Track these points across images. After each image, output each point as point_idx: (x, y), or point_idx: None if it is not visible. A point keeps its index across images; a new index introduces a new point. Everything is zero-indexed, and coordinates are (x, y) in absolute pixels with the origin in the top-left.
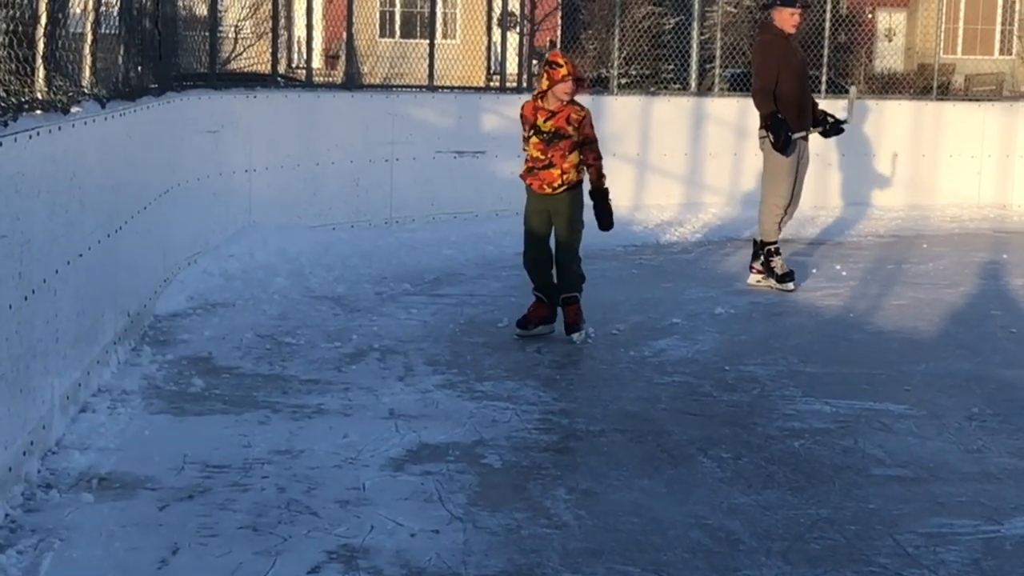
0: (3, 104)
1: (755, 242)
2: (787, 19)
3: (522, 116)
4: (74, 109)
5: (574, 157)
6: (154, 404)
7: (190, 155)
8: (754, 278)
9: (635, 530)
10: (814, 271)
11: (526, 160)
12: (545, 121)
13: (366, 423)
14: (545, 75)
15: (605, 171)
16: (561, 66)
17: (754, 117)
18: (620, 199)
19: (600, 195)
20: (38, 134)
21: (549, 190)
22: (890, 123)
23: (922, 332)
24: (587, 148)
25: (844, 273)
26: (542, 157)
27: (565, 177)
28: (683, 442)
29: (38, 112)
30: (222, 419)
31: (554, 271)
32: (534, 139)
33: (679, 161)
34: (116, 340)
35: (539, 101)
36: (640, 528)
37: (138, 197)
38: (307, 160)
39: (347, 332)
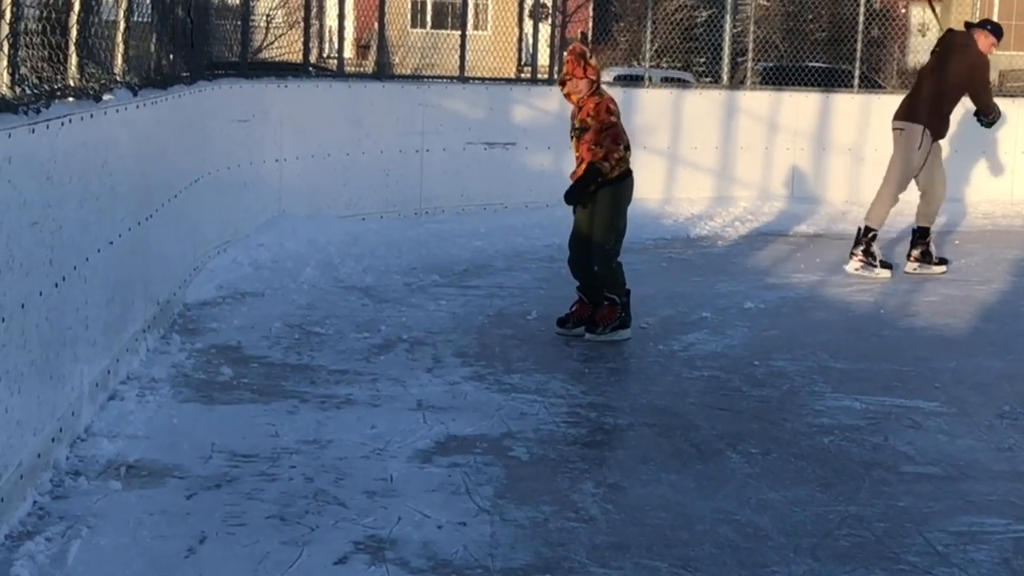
0: (36, 91)
1: (859, 229)
2: (987, 44)
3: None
4: (106, 97)
5: (600, 149)
6: (183, 392)
7: (221, 144)
8: (855, 264)
9: (663, 525)
10: (845, 266)
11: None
12: (575, 117)
13: (394, 414)
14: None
15: (633, 163)
16: (565, 63)
17: (786, 112)
18: (650, 192)
19: (589, 169)
20: (70, 121)
21: (587, 184)
22: None
23: (953, 329)
24: (603, 134)
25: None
26: (576, 154)
27: (591, 161)
28: (711, 437)
29: (70, 99)
30: (250, 408)
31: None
32: (572, 136)
33: (710, 154)
34: (145, 328)
35: (571, 96)
36: (668, 523)
37: (169, 185)
38: (337, 150)
39: (376, 323)
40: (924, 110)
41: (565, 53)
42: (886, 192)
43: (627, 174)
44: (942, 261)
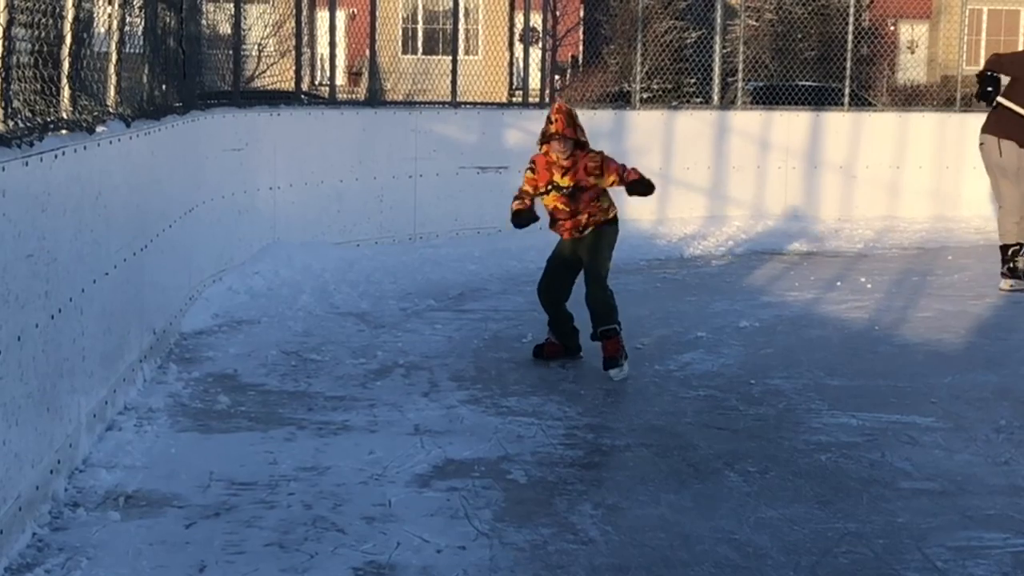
0: (29, 124)
1: (1001, 248)
2: None
3: (532, 169)
4: (99, 128)
5: (604, 199)
6: (180, 422)
7: (215, 173)
8: (1006, 283)
9: (662, 545)
10: (839, 284)
11: (549, 211)
12: (563, 176)
13: (392, 439)
14: (545, 124)
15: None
16: (551, 121)
17: (777, 130)
18: (643, 213)
19: (638, 180)
20: (64, 153)
21: (578, 234)
22: (914, 135)
23: (948, 344)
24: (625, 174)
25: (869, 285)
26: (567, 209)
27: (593, 219)
28: (709, 456)
29: (63, 131)
30: (248, 436)
31: (571, 315)
32: (554, 194)
33: (702, 174)
34: (142, 358)
35: (550, 155)
36: (667, 543)
37: (163, 215)
38: (331, 177)
39: (372, 348)
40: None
41: (551, 111)
42: (1005, 206)
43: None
44: None
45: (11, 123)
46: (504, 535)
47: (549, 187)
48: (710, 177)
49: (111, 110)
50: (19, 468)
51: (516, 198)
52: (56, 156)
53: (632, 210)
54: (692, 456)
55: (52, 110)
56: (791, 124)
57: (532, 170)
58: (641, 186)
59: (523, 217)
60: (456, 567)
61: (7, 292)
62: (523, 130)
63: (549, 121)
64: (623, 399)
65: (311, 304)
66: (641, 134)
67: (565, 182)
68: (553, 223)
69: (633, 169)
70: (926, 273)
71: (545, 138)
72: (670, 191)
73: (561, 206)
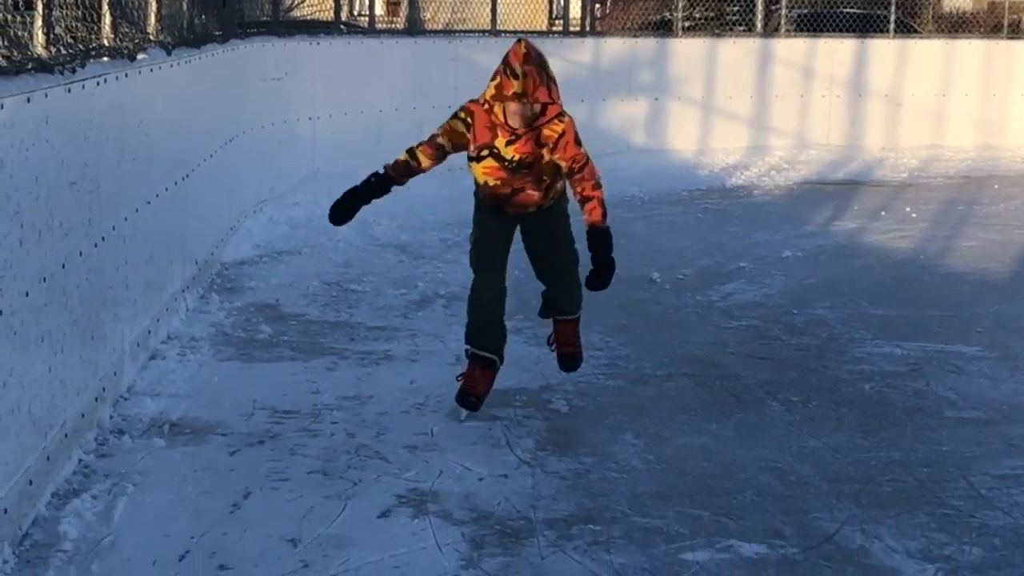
0: (71, 51)
1: None
2: None
3: (464, 120)
4: (140, 56)
5: (556, 183)
6: (223, 351)
7: (254, 102)
8: None
9: (704, 474)
10: (883, 213)
11: (478, 183)
12: (507, 144)
13: (433, 369)
14: (498, 76)
15: (667, 113)
16: (516, 76)
17: (821, 58)
18: (685, 143)
19: (600, 238)
20: (105, 81)
21: (528, 209)
22: (960, 63)
23: (993, 273)
24: (578, 176)
25: (914, 215)
26: (503, 186)
27: (548, 201)
28: (751, 386)
29: (105, 59)
30: (290, 366)
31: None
32: (490, 163)
33: (745, 104)
34: (184, 288)
35: (495, 112)
36: (709, 472)
37: (204, 145)
38: (370, 107)
39: (412, 279)
40: None
41: (511, 56)
42: None
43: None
44: None
45: (53, 49)
46: (546, 464)
47: (483, 152)
48: (753, 106)
49: (151, 38)
50: (64, 395)
51: (408, 150)
52: (98, 83)
53: (673, 140)
54: (734, 386)
55: (93, 37)
56: (835, 52)
57: (465, 122)
58: (606, 254)
59: (343, 209)
60: (498, 495)
61: (51, 219)
62: (564, 59)
63: (509, 72)
64: (665, 329)
65: (351, 235)
66: (683, 63)
67: (510, 152)
68: (489, 194)
69: (591, 179)
70: (972, 202)
71: (499, 95)
72: (712, 121)
73: (495, 181)
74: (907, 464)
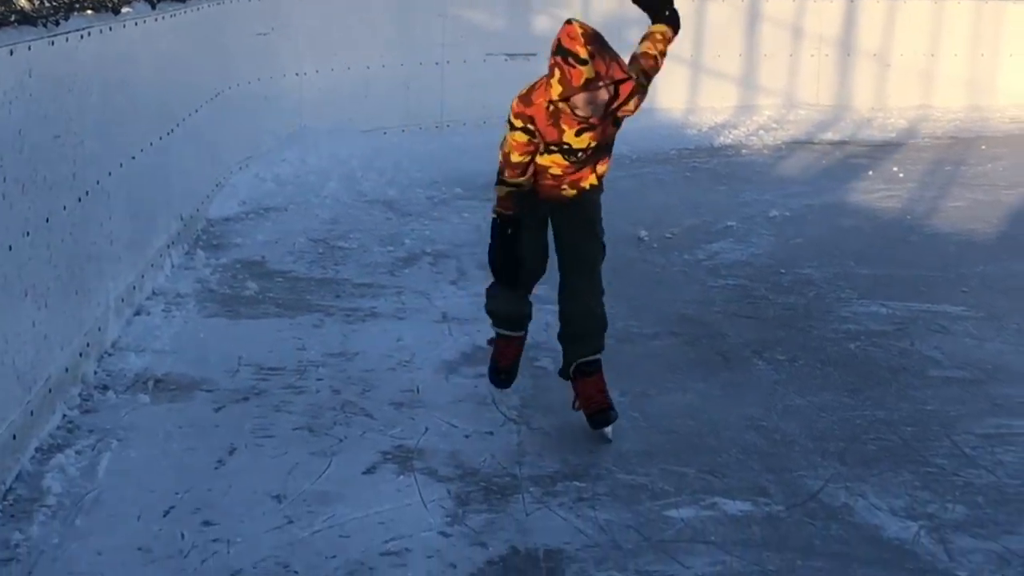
0: (54, 3)
1: None
2: None
3: (527, 128)
4: (124, 9)
5: (610, 155)
6: (208, 307)
7: (240, 57)
8: None
9: (690, 432)
10: (871, 173)
11: (519, 166)
12: (579, 134)
13: (419, 326)
14: (558, 70)
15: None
16: (584, 61)
17: (810, 17)
18: (673, 102)
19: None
20: (89, 34)
21: (572, 191)
22: (949, 23)
23: (980, 234)
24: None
25: (902, 175)
26: (563, 174)
27: (598, 176)
28: (738, 345)
29: (89, 12)
30: (276, 322)
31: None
32: (558, 157)
33: (733, 63)
34: (170, 244)
35: (561, 106)
36: (694, 430)
37: (189, 100)
38: (357, 63)
39: (399, 236)
40: None
41: (566, 37)
42: None
43: None
44: None
45: (36, 2)
46: (531, 421)
47: (552, 148)
48: (741, 66)
49: None
50: (48, 350)
51: (502, 173)
52: (82, 36)
53: (662, 99)
54: (721, 345)
55: None
56: (824, 11)
57: (527, 130)
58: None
59: (508, 228)
60: (483, 452)
61: (35, 173)
62: (552, 16)
63: (573, 60)
64: (652, 289)
65: (338, 192)
66: None
67: (583, 142)
68: (540, 182)
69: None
70: (959, 163)
71: (567, 90)
72: (700, 80)
73: (560, 172)
74: (891, 423)
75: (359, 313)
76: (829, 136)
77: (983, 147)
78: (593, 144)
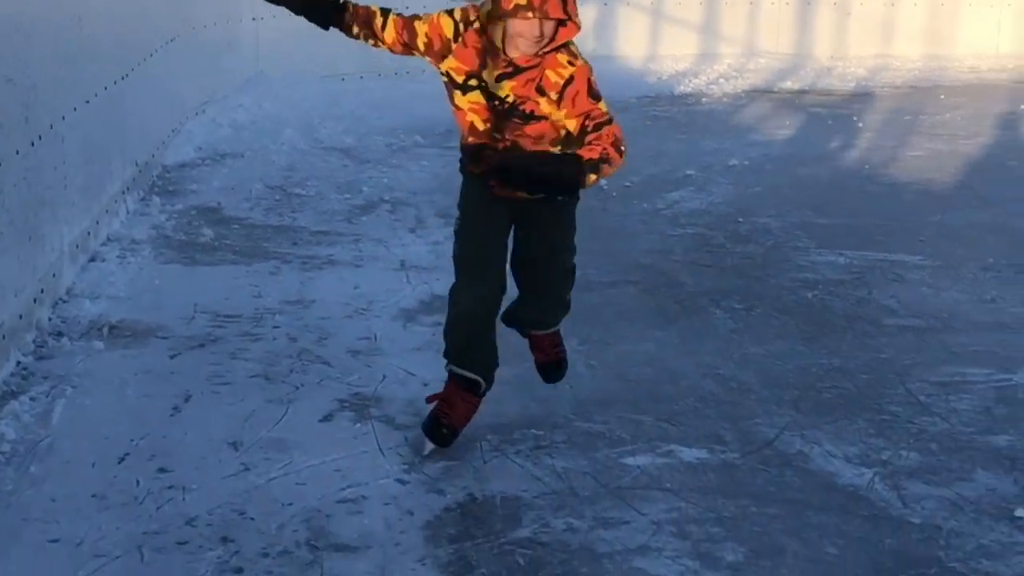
0: None
1: None
2: None
3: (456, 28)
4: None
5: (559, 141)
6: (164, 254)
7: (197, 1)
8: None
9: (647, 380)
10: (830, 122)
11: (463, 123)
12: (500, 79)
13: (377, 274)
14: None
15: (616, 20)
16: None
17: None
18: (633, 50)
19: (576, 162)
20: None
21: (510, 191)
22: None
23: (938, 183)
24: (593, 135)
25: (861, 124)
26: (490, 135)
27: None
28: (696, 294)
29: None
30: (232, 269)
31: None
32: (476, 95)
33: (694, 10)
34: (125, 190)
35: (489, 33)
36: (652, 378)
37: (144, 44)
38: None
39: (357, 184)
40: None
41: None
42: None
43: None
44: None
45: None
46: None
47: (470, 80)
48: (702, 13)
49: None
50: (2, 296)
51: (382, 10)
52: None
53: (622, 46)
54: (679, 293)
55: None
56: None
57: (456, 30)
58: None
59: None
60: None
61: None
62: None
63: None
64: (611, 237)
65: (295, 138)
66: None
67: (503, 90)
68: (472, 153)
69: (610, 137)
70: (918, 112)
71: (496, 11)
72: (661, 27)
73: (479, 122)
74: (847, 371)
75: (316, 261)
76: (789, 85)
77: (942, 97)
78: (512, 98)
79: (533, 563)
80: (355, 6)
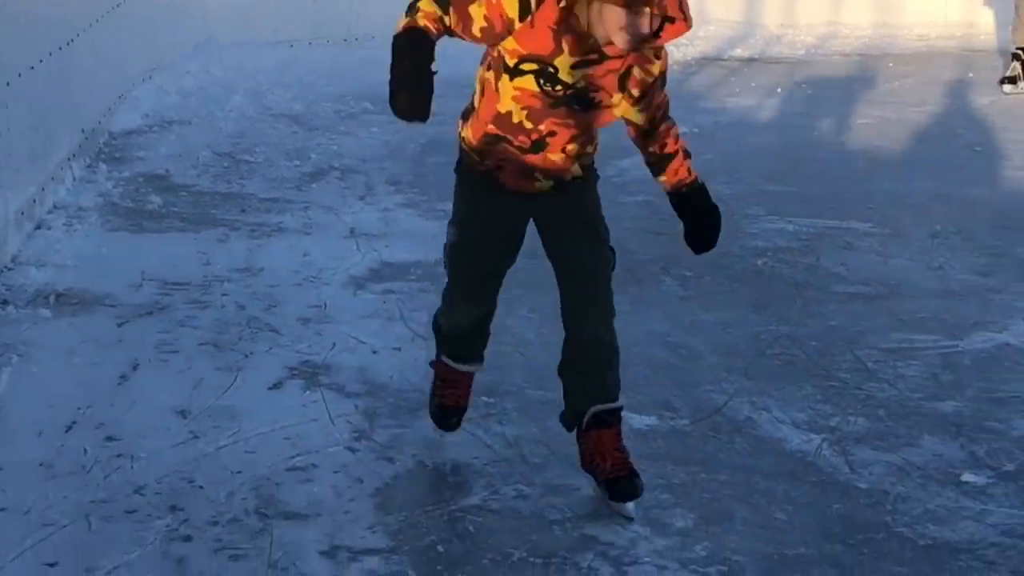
0: None
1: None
2: None
3: (501, 17)
4: None
5: (596, 142)
6: (111, 221)
7: None
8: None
9: None
10: (780, 90)
11: (479, 107)
12: (575, 67)
13: (327, 242)
14: None
15: None
16: None
17: None
18: None
19: (695, 194)
20: None
21: (541, 183)
22: None
23: (887, 151)
24: (662, 129)
25: (810, 92)
26: (527, 124)
27: (574, 169)
28: (646, 261)
29: None
30: (180, 237)
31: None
32: (528, 81)
33: None
34: (71, 157)
35: (578, 12)
36: None
37: (90, 10)
38: None
39: (306, 151)
40: None
41: None
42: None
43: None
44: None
45: None
46: None
47: (528, 64)
48: None
49: None
50: None
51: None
52: None
53: None
54: (629, 261)
55: None
56: None
57: (522, 14)
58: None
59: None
60: (392, 368)
61: None
62: None
63: None
64: None
65: (244, 105)
66: None
67: (573, 77)
68: (490, 143)
69: (679, 142)
70: (868, 80)
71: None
72: None
73: (517, 111)
74: (796, 338)
75: (265, 228)
76: (739, 53)
77: (891, 65)
78: (583, 85)
79: (483, 530)
80: (429, 29)
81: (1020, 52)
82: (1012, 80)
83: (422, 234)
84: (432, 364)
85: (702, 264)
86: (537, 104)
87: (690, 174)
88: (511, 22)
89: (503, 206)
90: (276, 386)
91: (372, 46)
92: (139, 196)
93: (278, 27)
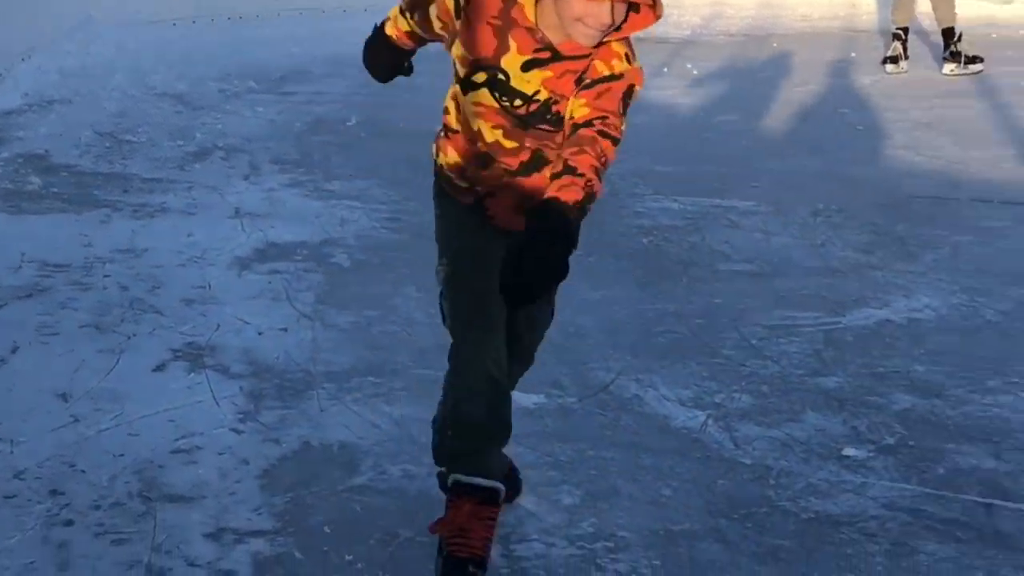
0: None
1: (943, 32)
2: None
3: (446, 13)
4: None
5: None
6: None
7: None
8: (949, 68)
9: None
10: (665, 70)
11: (460, 128)
12: (525, 67)
13: (211, 222)
14: None
15: None
16: None
17: None
18: None
19: (558, 221)
20: None
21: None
22: None
23: (772, 130)
24: (587, 134)
25: (696, 72)
26: (509, 147)
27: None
28: None
29: None
30: (61, 218)
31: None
32: (478, 95)
33: None
34: None
35: (523, 5)
36: None
37: None
38: None
39: (190, 130)
40: None
41: None
42: None
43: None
44: (976, 59)
45: None
46: (327, 317)
47: (476, 74)
48: None
49: None
50: None
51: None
52: None
53: None
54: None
55: None
56: None
57: (457, 10)
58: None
59: (384, 59)
60: (278, 349)
61: None
62: None
63: None
64: None
65: (125, 84)
66: None
67: (530, 84)
68: (467, 164)
69: (602, 156)
70: (752, 60)
71: None
72: None
73: (488, 130)
74: (681, 315)
75: (148, 208)
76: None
77: (775, 45)
78: (545, 97)
79: (370, 510)
80: (409, 34)
81: (901, 32)
82: (894, 60)
83: (307, 214)
84: (434, 526)
85: (589, 242)
86: (505, 122)
87: (574, 206)
88: (452, 20)
89: (497, 241)
90: (159, 368)
91: (255, 24)
92: (18, 177)
93: (160, 5)
